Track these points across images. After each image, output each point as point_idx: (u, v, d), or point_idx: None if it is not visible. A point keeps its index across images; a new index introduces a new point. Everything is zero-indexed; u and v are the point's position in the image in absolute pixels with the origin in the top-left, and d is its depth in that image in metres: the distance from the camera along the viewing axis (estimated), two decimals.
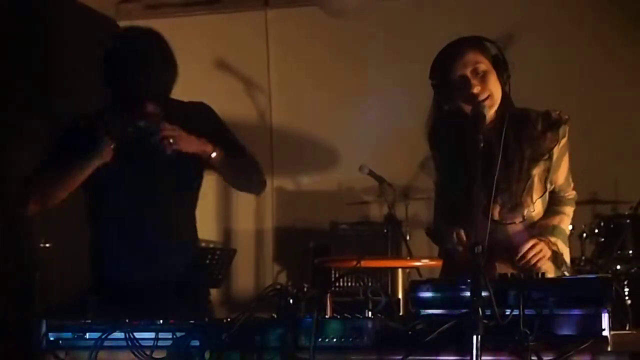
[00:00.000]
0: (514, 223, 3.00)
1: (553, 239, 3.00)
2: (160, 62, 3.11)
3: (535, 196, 3.02)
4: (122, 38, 3.30)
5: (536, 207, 3.03)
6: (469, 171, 2.94)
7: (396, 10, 6.41)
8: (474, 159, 2.56)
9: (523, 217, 3.01)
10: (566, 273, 3.04)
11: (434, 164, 3.19)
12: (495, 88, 2.93)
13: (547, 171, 3.03)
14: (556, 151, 3.02)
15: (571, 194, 3.13)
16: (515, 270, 2.67)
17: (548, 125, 3.00)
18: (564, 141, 3.02)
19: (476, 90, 2.89)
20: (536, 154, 2.99)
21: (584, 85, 6.05)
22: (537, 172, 3.01)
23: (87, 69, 6.30)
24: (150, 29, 3.22)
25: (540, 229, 3.02)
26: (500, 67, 2.94)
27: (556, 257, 3.02)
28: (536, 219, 3.05)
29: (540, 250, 2.95)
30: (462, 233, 2.95)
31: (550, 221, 3.05)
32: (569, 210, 3.11)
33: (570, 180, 3.12)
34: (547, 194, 3.06)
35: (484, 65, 2.92)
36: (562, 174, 3.07)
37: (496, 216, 2.95)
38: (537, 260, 2.95)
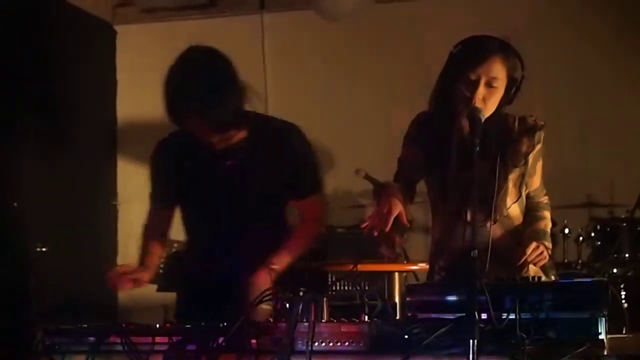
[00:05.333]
0: (485, 226, 2.99)
1: (547, 244, 3.02)
2: (221, 85, 3.06)
3: (509, 201, 3.04)
4: (179, 64, 3.18)
5: (511, 212, 3.05)
6: (448, 172, 2.97)
7: (392, 14, 6.42)
8: (466, 160, 2.56)
9: (495, 220, 3.02)
10: (553, 277, 3.07)
11: (426, 180, 3.19)
12: (492, 104, 2.93)
13: (522, 176, 3.05)
14: (531, 157, 3.04)
15: (545, 199, 3.17)
16: (503, 274, 2.68)
17: (524, 131, 3.02)
18: (539, 147, 3.04)
19: (480, 95, 2.89)
20: (513, 160, 3.00)
21: (579, 88, 6.06)
22: (512, 177, 3.03)
23: (84, 72, 6.35)
24: (207, 50, 3.15)
25: (532, 235, 3.04)
26: (510, 91, 2.94)
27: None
28: (515, 223, 3.07)
29: (542, 252, 2.98)
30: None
31: (538, 226, 3.08)
32: (548, 214, 3.15)
33: (543, 186, 3.15)
34: (523, 198, 3.08)
35: (500, 82, 2.90)
36: (536, 179, 3.11)
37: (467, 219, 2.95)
38: (539, 261, 2.98)
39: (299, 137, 3.34)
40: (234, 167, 3.20)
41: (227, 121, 3.07)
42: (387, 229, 2.75)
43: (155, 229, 3.40)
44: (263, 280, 3.04)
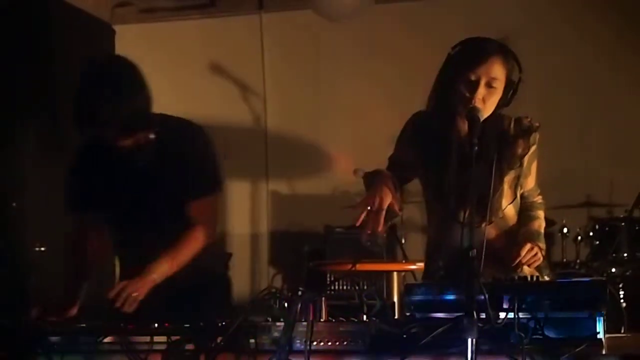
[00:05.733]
0: (480, 226, 2.99)
1: (541, 245, 3.02)
2: (127, 89, 3.07)
3: (505, 202, 3.05)
4: (86, 72, 3.23)
5: (506, 213, 3.06)
6: (445, 173, 2.97)
7: (391, 14, 6.42)
8: (463, 161, 2.56)
9: (490, 221, 3.01)
10: (547, 277, 3.08)
11: (421, 179, 3.18)
12: (491, 105, 2.93)
13: (517, 178, 3.06)
14: (526, 159, 3.05)
15: (539, 198, 3.18)
16: (499, 274, 2.68)
17: (520, 133, 3.03)
18: (534, 148, 3.05)
19: (480, 95, 2.89)
20: (509, 163, 3.01)
21: (579, 88, 6.06)
22: (507, 179, 3.04)
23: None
24: (112, 57, 3.20)
25: (526, 235, 3.04)
26: (508, 93, 2.94)
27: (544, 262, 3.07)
28: (510, 224, 3.08)
29: (536, 254, 2.99)
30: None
31: (532, 227, 3.09)
32: (542, 214, 3.16)
33: (537, 186, 3.17)
34: (518, 199, 3.09)
35: (499, 83, 2.90)
36: (531, 180, 3.12)
37: (463, 219, 2.94)
38: (533, 263, 2.99)
39: (201, 137, 3.32)
40: (144, 169, 3.21)
41: (135, 124, 3.09)
42: (380, 228, 2.75)
43: (82, 247, 3.38)
44: (136, 288, 3.03)
